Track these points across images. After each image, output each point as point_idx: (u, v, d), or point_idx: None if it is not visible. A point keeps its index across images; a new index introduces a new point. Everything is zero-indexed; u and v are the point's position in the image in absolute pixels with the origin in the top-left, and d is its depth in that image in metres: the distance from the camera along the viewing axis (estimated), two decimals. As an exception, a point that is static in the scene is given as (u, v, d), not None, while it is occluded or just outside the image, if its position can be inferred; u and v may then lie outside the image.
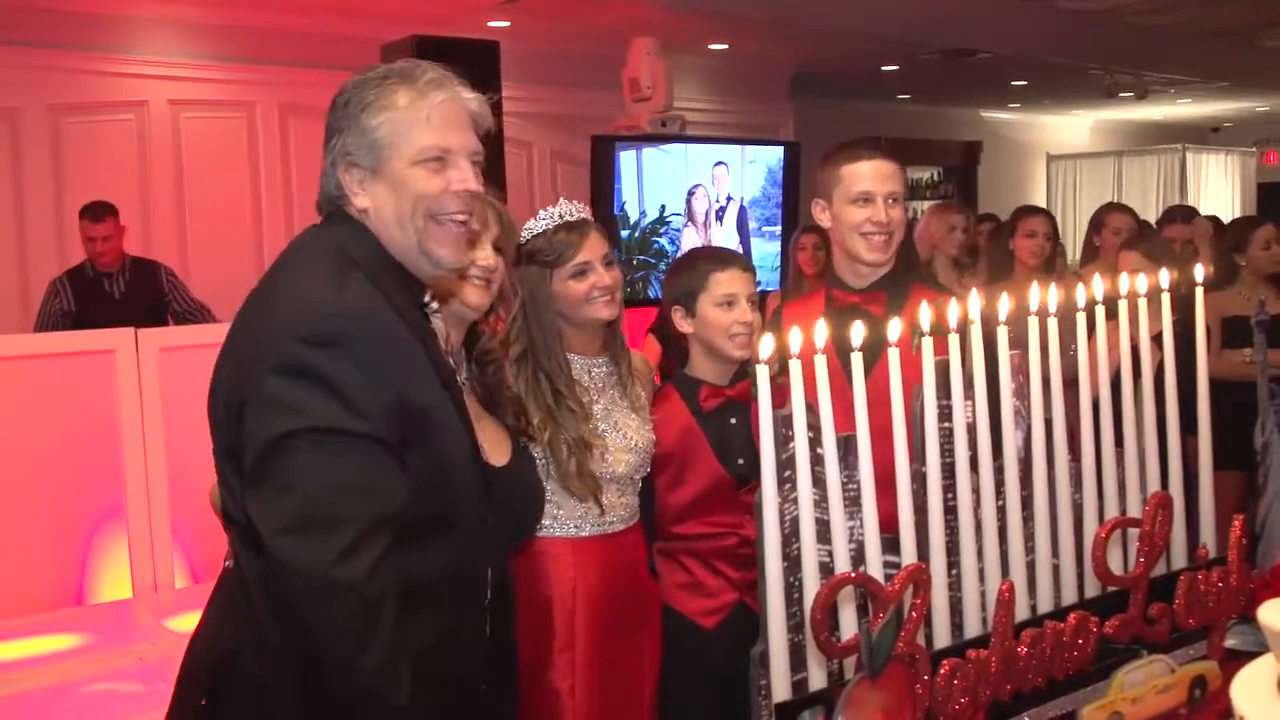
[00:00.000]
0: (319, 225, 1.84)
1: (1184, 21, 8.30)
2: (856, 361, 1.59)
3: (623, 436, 2.49)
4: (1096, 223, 5.36)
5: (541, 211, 2.51)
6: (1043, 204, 10.91)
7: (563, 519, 2.44)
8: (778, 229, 7.48)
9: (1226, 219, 8.28)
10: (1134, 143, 14.72)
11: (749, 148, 7.56)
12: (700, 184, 7.15)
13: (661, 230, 6.90)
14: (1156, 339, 1.94)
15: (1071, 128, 14.78)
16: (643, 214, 6.98)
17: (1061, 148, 14.34)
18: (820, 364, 1.58)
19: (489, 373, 2.33)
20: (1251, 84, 11.79)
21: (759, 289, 2.73)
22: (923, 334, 1.67)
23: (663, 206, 7.02)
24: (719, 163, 7.26)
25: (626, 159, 6.91)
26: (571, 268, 2.46)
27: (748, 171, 7.40)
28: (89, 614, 3.69)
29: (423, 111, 1.76)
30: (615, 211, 6.83)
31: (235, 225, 7.22)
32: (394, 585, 1.61)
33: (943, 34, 8.42)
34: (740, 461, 2.54)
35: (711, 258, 2.71)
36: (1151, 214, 10.06)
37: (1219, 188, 13.69)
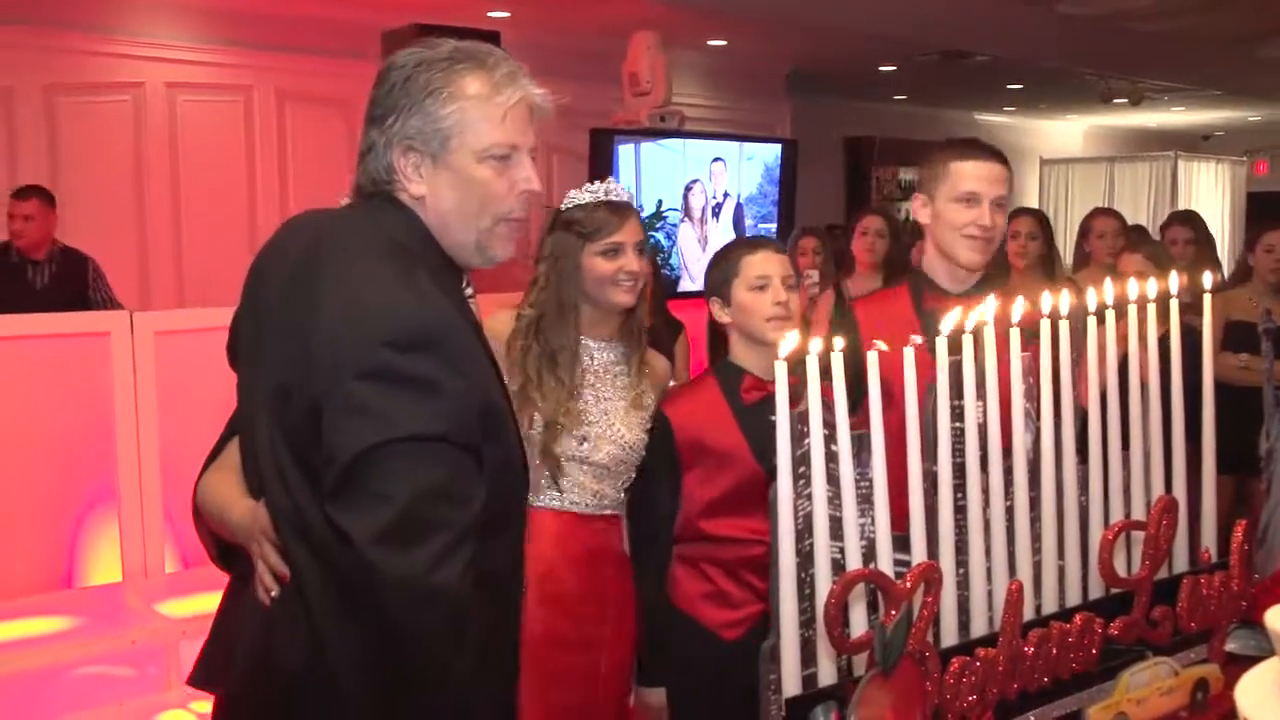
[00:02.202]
0: (362, 209, 1.77)
1: (1182, 29, 8.34)
2: (873, 360, 1.60)
3: (609, 426, 2.49)
4: (1084, 228, 5.39)
5: (587, 185, 2.55)
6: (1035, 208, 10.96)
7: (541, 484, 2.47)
8: (774, 226, 7.48)
9: (1215, 227, 8.33)
10: (1126, 149, 14.77)
11: (746, 144, 7.58)
12: (698, 180, 7.16)
13: (658, 225, 6.90)
14: (1159, 342, 1.94)
15: (1065, 132, 14.83)
16: (640, 208, 6.97)
17: (1055, 152, 14.38)
18: (838, 363, 1.58)
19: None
20: (1244, 93, 11.86)
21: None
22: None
23: (659, 201, 7.02)
24: (716, 159, 7.27)
25: (625, 153, 6.91)
26: (604, 244, 2.48)
27: (745, 168, 7.41)
28: (79, 597, 3.68)
29: (498, 108, 1.70)
30: (612, 205, 6.82)
31: (230, 210, 7.20)
32: (476, 588, 1.59)
33: (940, 35, 8.45)
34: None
35: (742, 243, 2.66)
36: (1143, 220, 10.10)
37: (1209, 196, 13.73)
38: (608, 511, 2.55)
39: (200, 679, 1.85)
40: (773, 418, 1.66)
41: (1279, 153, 14.77)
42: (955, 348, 1.69)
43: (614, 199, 2.52)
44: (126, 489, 3.83)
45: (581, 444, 2.46)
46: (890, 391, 1.61)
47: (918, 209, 2.62)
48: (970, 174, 2.52)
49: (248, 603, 1.74)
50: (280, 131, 7.31)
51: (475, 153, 1.70)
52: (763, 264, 2.53)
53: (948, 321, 1.67)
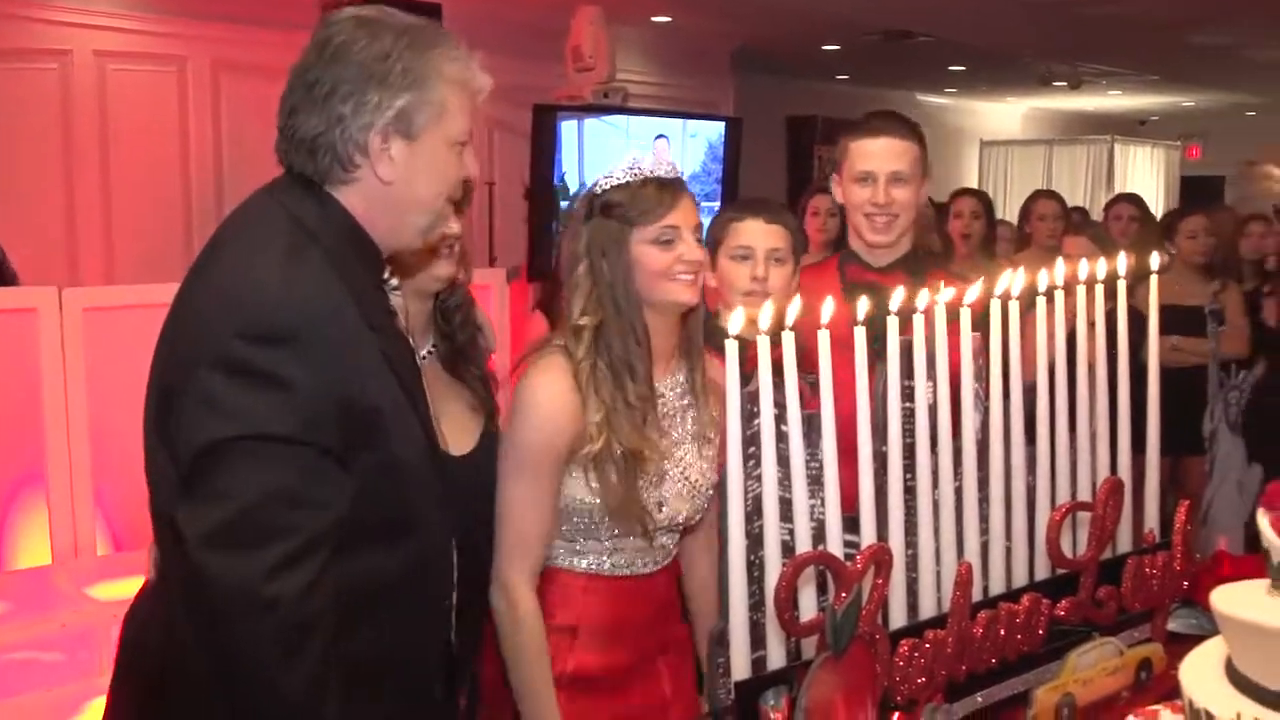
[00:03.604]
0: (275, 189, 1.68)
1: (1121, 14, 8.42)
2: (824, 339, 1.59)
3: (684, 481, 2.09)
4: (1025, 210, 5.46)
5: (621, 161, 2.09)
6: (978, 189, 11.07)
7: (580, 549, 2.06)
8: (717, 204, 7.47)
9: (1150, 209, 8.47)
10: (1064, 132, 14.96)
11: (690, 122, 7.55)
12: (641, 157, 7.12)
13: (601, 203, 6.86)
14: (1093, 325, 1.95)
15: (1004, 115, 14.97)
16: (583, 185, 6.93)
17: (994, 134, 14.53)
18: (789, 341, 1.57)
19: (457, 326, 2.14)
20: (1179, 79, 12.03)
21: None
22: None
23: (602, 179, 6.98)
24: (660, 136, 7.24)
25: (568, 129, 6.86)
26: (657, 230, 2.02)
27: (689, 146, 7.39)
28: (7, 580, 3.59)
29: (469, 97, 1.68)
30: (555, 182, 6.78)
31: (162, 185, 7.03)
32: (332, 602, 1.51)
33: (883, 15, 8.46)
34: None
35: (737, 206, 2.51)
36: (1080, 202, 10.23)
37: (1145, 179, 13.97)
38: (669, 561, 2.16)
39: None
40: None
41: (1211, 137, 15.03)
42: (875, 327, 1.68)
43: (663, 175, 2.06)
44: (55, 470, 3.74)
45: (660, 509, 2.05)
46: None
47: (834, 188, 2.63)
48: (864, 152, 2.52)
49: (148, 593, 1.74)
50: (215, 104, 7.15)
51: (449, 138, 1.67)
52: (748, 234, 2.37)
53: (895, 299, 1.67)
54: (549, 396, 1.99)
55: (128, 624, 1.83)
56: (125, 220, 6.82)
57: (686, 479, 2.08)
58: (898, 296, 1.67)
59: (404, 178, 1.65)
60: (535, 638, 1.97)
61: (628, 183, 2.04)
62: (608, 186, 2.05)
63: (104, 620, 3.29)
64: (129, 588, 3.19)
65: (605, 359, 2.00)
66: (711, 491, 2.13)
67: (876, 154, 2.51)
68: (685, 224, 2.04)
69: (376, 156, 1.63)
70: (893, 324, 1.66)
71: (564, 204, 6.80)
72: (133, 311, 3.70)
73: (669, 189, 2.05)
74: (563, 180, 6.85)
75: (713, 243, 2.39)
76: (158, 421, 1.58)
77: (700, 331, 2.14)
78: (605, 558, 2.05)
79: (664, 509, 2.05)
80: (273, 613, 1.46)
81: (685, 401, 2.12)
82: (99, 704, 3.13)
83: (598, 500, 2.00)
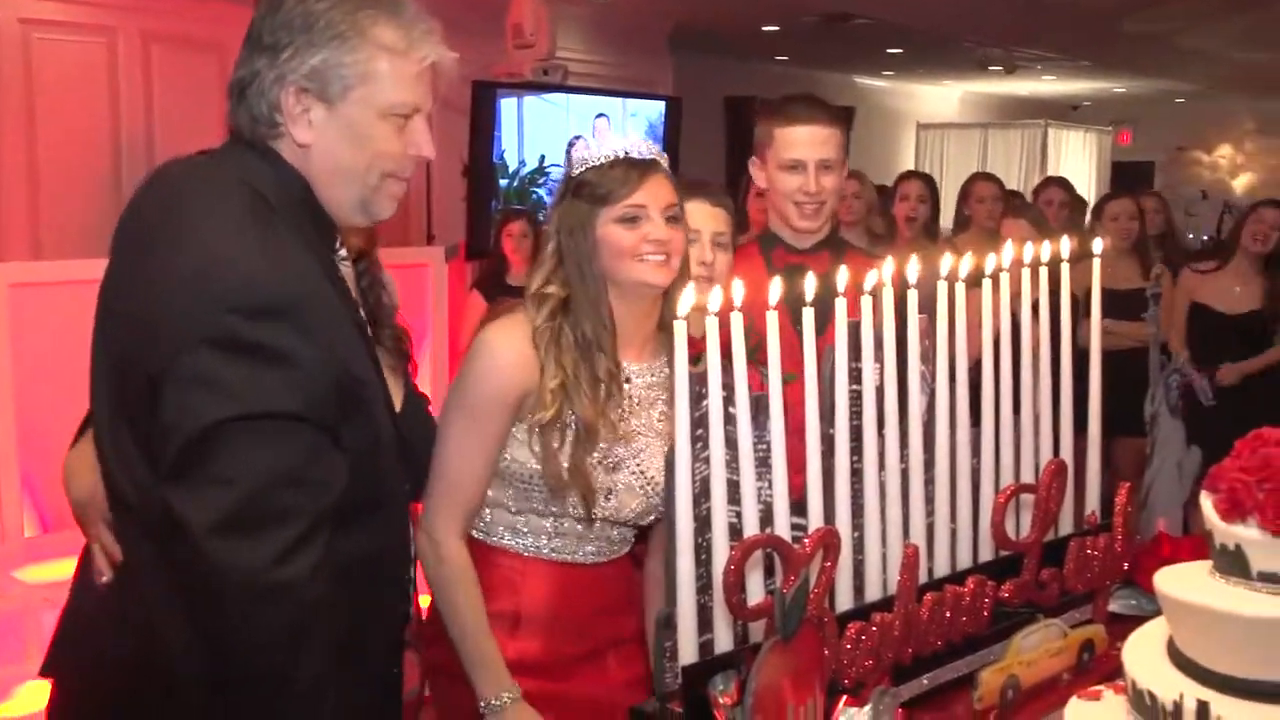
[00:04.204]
0: (227, 159, 1.61)
1: (1057, 1, 8.52)
2: (772, 321, 1.57)
3: (639, 473, 2.04)
4: (964, 192, 5.50)
5: (600, 143, 2.05)
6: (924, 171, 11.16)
7: (520, 526, 2.04)
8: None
9: (1083, 194, 8.58)
10: (999, 116, 15.12)
11: (630, 101, 7.53)
12: (581, 135, 7.07)
13: (541, 181, 6.83)
14: (1036, 307, 1.96)
15: (941, 98, 15.09)
16: (522, 163, 6.89)
17: (931, 118, 14.65)
18: (737, 322, 1.55)
19: (365, 289, 2.01)
20: (1111, 65, 12.21)
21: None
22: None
23: (542, 156, 6.94)
24: (600, 115, 7.21)
25: (507, 107, 6.82)
26: (622, 208, 1.99)
27: (628, 125, 7.36)
28: (-70, 563, 3.51)
29: (410, 66, 1.59)
30: (494, 160, 6.73)
31: (92, 158, 6.86)
32: (328, 582, 1.47)
33: (823, -3, 8.49)
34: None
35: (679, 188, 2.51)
36: (1015, 185, 10.34)
37: (1077, 164, 14.17)
38: (624, 551, 2.12)
39: (48, 668, 1.71)
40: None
41: (1142, 123, 15.26)
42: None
43: (637, 155, 2.03)
44: (-20, 449, 3.65)
45: (607, 497, 2.01)
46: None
47: (755, 171, 2.59)
48: (791, 140, 2.49)
49: (90, 586, 1.63)
50: (147, 76, 6.98)
51: (379, 108, 1.59)
52: (693, 216, 2.25)
53: (840, 279, 1.65)
54: (505, 347, 1.99)
55: (71, 622, 1.72)
56: (53, 195, 6.65)
57: (642, 472, 2.04)
58: (843, 277, 1.65)
59: (321, 142, 1.58)
60: (467, 585, 1.97)
61: (600, 164, 2.02)
62: (583, 169, 2.03)
63: (33, 603, 3.22)
64: (58, 570, 3.15)
65: (574, 333, 1.99)
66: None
67: (805, 142, 2.48)
68: (654, 203, 2.00)
69: (293, 117, 1.57)
70: (841, 305, 1.65)
71: (503, 183, 6.75)
72: (62, 288, 3.62)
73: (638, 168, 2.02)
74: (501, 158, 6.80)
75: None
76: (128, 407, 1.51)
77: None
78: (545, 539, 2.03)
79: (611, 498, 2.01)
80: (284, 599, 1.42)
81: (655, 393, 2.07)
82: (29, 689, 3.08)
83: (536, 467, 1.98)
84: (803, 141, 2.48)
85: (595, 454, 1.99)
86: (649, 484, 2.04)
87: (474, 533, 2.05)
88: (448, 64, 1.66)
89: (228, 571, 1.40)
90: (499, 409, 1.98)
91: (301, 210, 1.60)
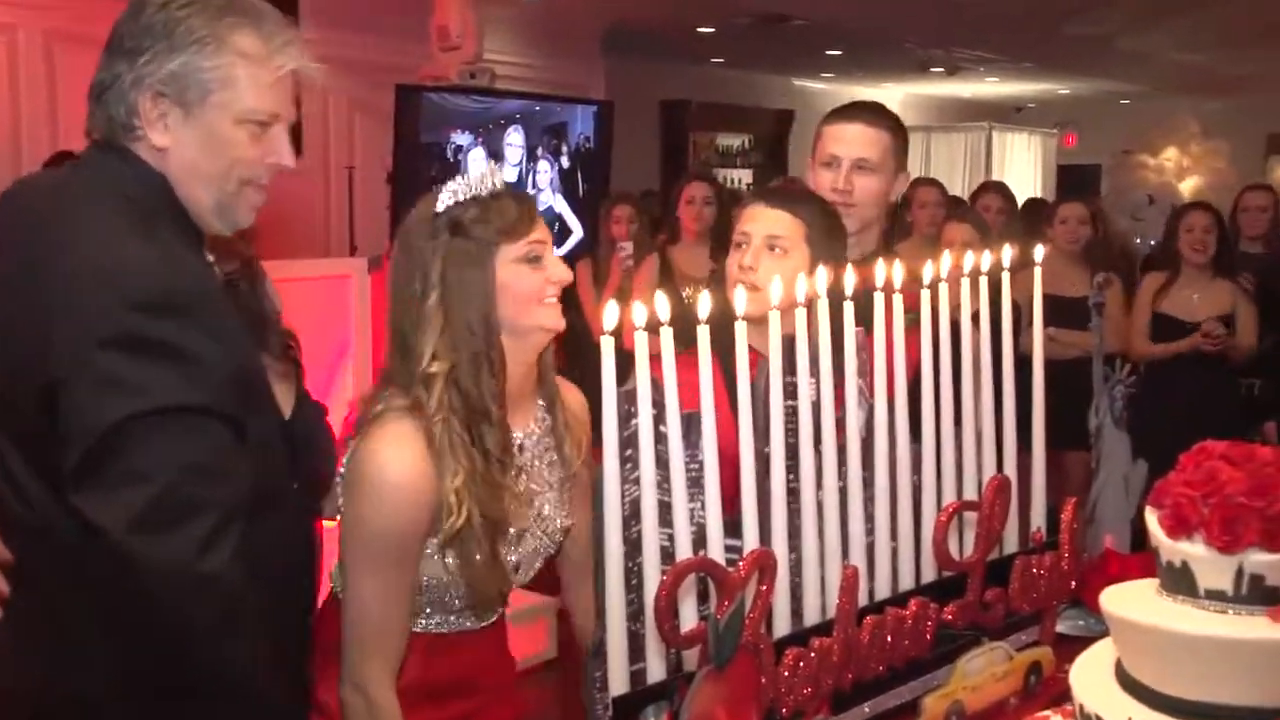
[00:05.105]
0: (91, 166, 1.67)
1: (996, 2, 8.65)
2: (703, 336, 1.56)
3: (542, 536, 1.99)
4: (905, 198, 5.53)
5: (450, 183, 1.85)
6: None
7: (424, 619, 1.93)
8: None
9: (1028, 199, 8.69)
10: (942, 119, 15.29)
11: (559, 105, 7.51)
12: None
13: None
14: (976, 317, 1.97)
15: (882, 100, 15.17)
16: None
17: (872, 121, 14.77)
18: (666, 335, 1.53)
19: (247, 294, 1.99)
20: (1054, 67, 12.40)
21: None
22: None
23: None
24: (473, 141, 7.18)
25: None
26: (524, 247, 1.84)
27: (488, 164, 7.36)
28: None
29: (270, 73, 1.65)
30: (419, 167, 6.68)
31: (-8, 161, 6.74)
32: (245, 574, 1.52)
33: (759, -2, 8.54)
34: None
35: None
36: (959, 191, 10.46)
37: (1022, 168, 14.36)
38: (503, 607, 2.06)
39: None
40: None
41: (1087, 126, 15.50)
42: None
43: (511, 187, 1.89)
44: None
45: (516, 571, 1.95)
46: None
47: (808, 174, 2.61)
48: (833, 136, 2.51)
49: None
50: (50, 76, 6.87)
51: (235, 114, 1.64)
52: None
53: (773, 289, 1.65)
54: (400, 472, 1.79)
55: None
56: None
57: (545, 533, 1.99)
58: (777, 289, 1.64)
59: (177, 147, 1.63)
60: None
61: (478, 195, 1.84)
62: (452, 202, 1.84)
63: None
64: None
65: (460, 410, 1.82)
66: (562, 537, 2.03)
67: (844, 139, 2.49)
68: (547, 240, 1.89)
69: (150, 121, 1.62)
70: (774, 319, 1.64)
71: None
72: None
73: (525, 203, 1.89)
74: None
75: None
76: (13, 425, 1.55)
77: (552, 363, 2.01)
78: (449, 616, 1.95)
79: (520, 570, 1.97)
80: (212, 588, 1.47)
81: (546, 443, 1.99)
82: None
83: (455, 576, 1.87)
84: (842, 138, 2.49)
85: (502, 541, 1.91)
86: (549, 537, 2.00)
87: None
88: (309, 74, 1.72)
89: (154, 568, 1.44)
90: (412, 544, 1.83)
91: (169, 212, 1.65)
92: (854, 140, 2.48)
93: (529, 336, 1.90)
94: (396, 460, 1.79)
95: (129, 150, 1.64)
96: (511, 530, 1.92)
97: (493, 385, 1.84)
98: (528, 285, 1.86)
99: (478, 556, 1.85)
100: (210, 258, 1.76)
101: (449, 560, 1.86)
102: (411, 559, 1.84)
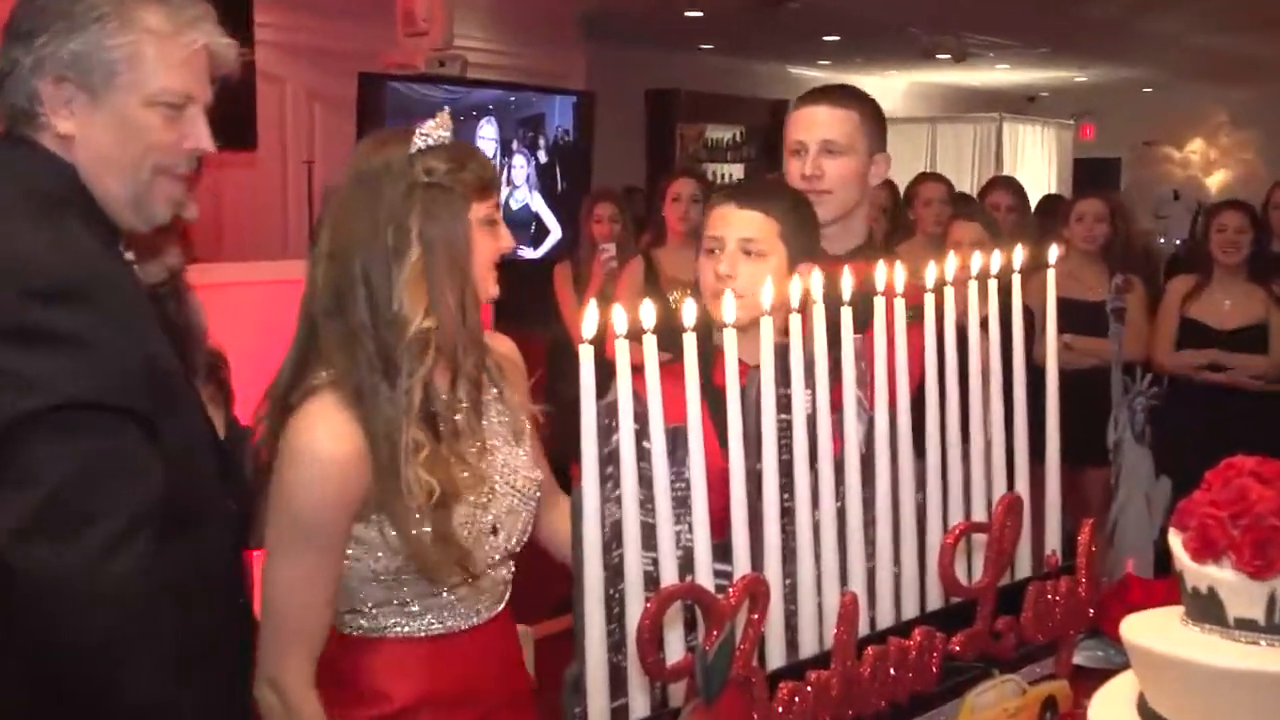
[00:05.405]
0: None
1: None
2: (689, 343, 1.56)
3: (512, 491, 1.99)
4: (908, 195, 5.55)
5: (421, 126, 1.85)
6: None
7: (411, 607, 1.93)
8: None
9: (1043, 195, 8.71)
10: (949, 109, 15.34)
11: (537, 96, 7.53)
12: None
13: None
14: (985, 323, 1.97)
15: (885, 90, 15.25)
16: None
17: (874, 111, 14.81)
18: (650, 344, 1.53)
19: (174, 312, 2.04)
20: (1071, 52, 12.42)
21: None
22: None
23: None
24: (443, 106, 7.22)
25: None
26: (489, 209, 1.87)
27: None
28: None
29: (180, 49, 1.65)
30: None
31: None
32: (157, 590, 1.50)
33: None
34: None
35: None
36: (967, 187, 10.50)
37: (1035, 162, 14.42)
38: (507, 599, 2.06)
39: None
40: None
41: (1106, 116, 15.51)
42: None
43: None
44: None
45: (495, 533, 1.95)
46: None
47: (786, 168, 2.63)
48: (795, 122, 2.55)
49: None
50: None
51: (144, 95, 1.64)
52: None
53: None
54: (334, 447, 1.81)
55: None
56: None
57: (513, 487, 1.99)
58: (768, 294, 1.64)
59: (85, 134, 1.63)
60: None
61: (445, 145, 1.84)
62: (425, 146, 1.83)
63: None
64: None
65: (447, 370, 1.87)
66: (538, 491, 2.04)
67: (808, 122, 2.52)
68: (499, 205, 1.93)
69: (54, 108, 1.62)
70: (766, 326, 1.64)
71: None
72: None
73: (482, 159, 1.92)
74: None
75: None
76: None
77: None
78: (409, 620, 1.94)
79: (500, 532, 1.96)
80: (107, 605, 1.45)
81: (492, 394, 2.00)
82: None
83: (398, 560, 1.87)
84: (804, 122, 2.52)
85: (468, 504, 1.92)
86: (522, 495, 2.00)
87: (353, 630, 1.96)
88: (223, 51, 1.72)
89: (39, 580, 1.42)
90: (342, 522, 1.84)
91: (79, 203, 1.64)
92: (819, 123, 2.50)
93: None
94: (330, 436, 1.81)
95: (35, 141, 1.64)
96: (478, 494, 1.92)
97: (481, 356, 1.90)
98: (488, 250, 1.89)
99: (421, 527, 1.84)
100: (129, 255, 1.76)
101: (389, 535, 1.85)
102: (338, 545, 1.85)
